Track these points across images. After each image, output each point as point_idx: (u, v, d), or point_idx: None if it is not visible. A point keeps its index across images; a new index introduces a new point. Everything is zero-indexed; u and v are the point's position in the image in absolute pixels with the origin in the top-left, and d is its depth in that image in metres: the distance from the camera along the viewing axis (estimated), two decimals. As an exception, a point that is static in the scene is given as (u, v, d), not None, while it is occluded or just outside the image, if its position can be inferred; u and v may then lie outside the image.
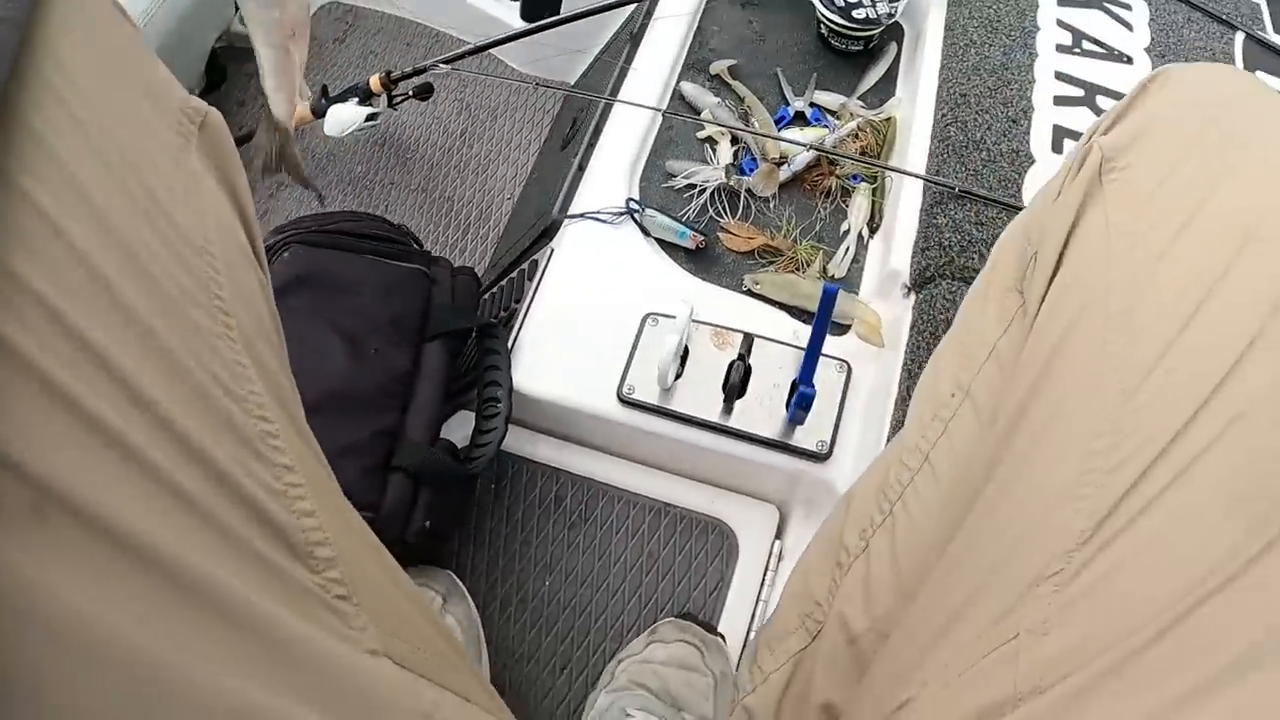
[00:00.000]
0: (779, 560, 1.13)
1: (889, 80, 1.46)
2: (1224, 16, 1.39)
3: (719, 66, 1.42)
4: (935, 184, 1.08)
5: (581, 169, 1.28)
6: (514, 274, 1.30)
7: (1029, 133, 1.14)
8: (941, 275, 1.03)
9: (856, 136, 1.34)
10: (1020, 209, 1.06)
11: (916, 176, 1.13)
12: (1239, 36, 1.39)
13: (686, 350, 1.08)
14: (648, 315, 1.12)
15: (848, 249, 1.25)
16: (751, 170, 1.29)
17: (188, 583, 0.40)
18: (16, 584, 0.34)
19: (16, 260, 0.37)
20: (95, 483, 0.37)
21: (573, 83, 1.81)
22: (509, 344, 1.13)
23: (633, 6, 1.54)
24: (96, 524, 0.37)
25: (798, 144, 1.27)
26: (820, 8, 1.40)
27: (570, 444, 1.17)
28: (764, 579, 1.11)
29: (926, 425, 0.76)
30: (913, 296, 1.08)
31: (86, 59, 0.45)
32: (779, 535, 1.14)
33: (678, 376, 1.07)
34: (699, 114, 1.35)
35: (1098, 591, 0.49)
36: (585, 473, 1.15)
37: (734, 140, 1.32)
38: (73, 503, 0.36)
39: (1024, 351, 0.65)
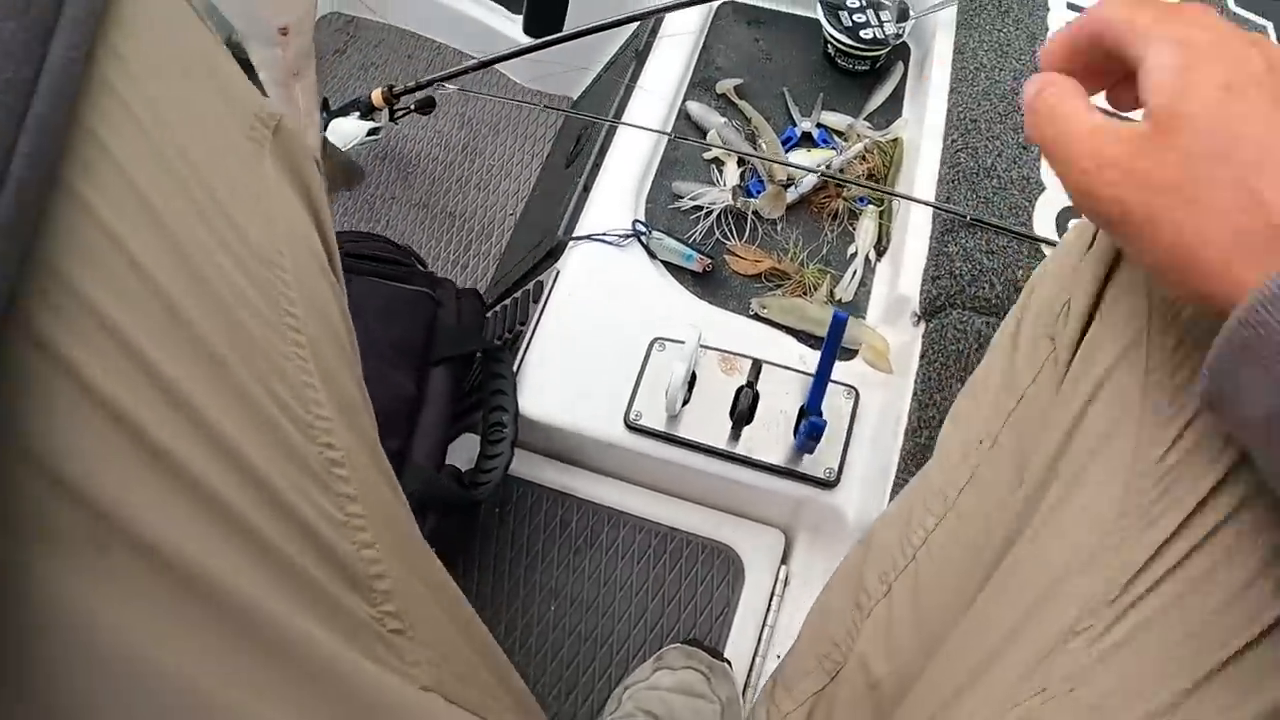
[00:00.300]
0: (785, 585, 1.13)
1: (895, 101, 1.46)
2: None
3: (725, 85, 1.42)
4: (946, 211, 1.08)
5: (586, 189, 1.28)
6: (518, 294, 1.30)
7: (1039, 159, 1.14)
8: (952, 304, 1.03)
9: (863, 158, 1.34)
10: (1031, 238, 1.06)
11: (926, 204, 1.13)
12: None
13: (694, 375, 1.08)
14: (655, 340, 1.12)
15: (855, 273, 1.25)
16: (758, 192, 1.29)
17: (245, 616, 0.40)
18: (74, 615, 0.34)
19: (79, 276, 0.36)
20: (157, 514, 0.37)
21: (575, 97, 1.81)
22: (515, 367, 1.12)
23: (636, 24, 1.54)
24: (157, 557, 0.37)
25: (805, 169, 1.27)
26: (828, 27, 1.41)
27: (576, 468, 1.16)
28: (770, 604, 1.11)
29: (953, 470, 0.74)
30: (922, 325, 1.07)
31: (155, 61, 0.44)
32: (784, 560, 1.14)
33: (685, 402, 1.07)
34: (705, 134, 1.35)
35: (1128, 647, 0.48)
36: (591, 497, 1.15)
37: (740, 161, 1.32)
38: (134, 534, 0.36)
39: (1056, 401, 0.64)
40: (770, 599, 1.11)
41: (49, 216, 0.36)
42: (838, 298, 1.22)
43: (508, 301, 1.32)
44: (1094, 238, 0.68)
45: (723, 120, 1.35)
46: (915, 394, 1.01)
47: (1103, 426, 0.57)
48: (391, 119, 1.56)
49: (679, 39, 1.45)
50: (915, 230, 1.19)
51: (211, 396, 0.41)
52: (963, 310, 1.02)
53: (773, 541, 1.14)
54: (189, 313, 0.41)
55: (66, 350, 0.35)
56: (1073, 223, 0.78)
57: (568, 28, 1.71)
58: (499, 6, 1.86)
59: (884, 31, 1.40)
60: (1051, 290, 0.71)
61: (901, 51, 1.49)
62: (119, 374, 0.37)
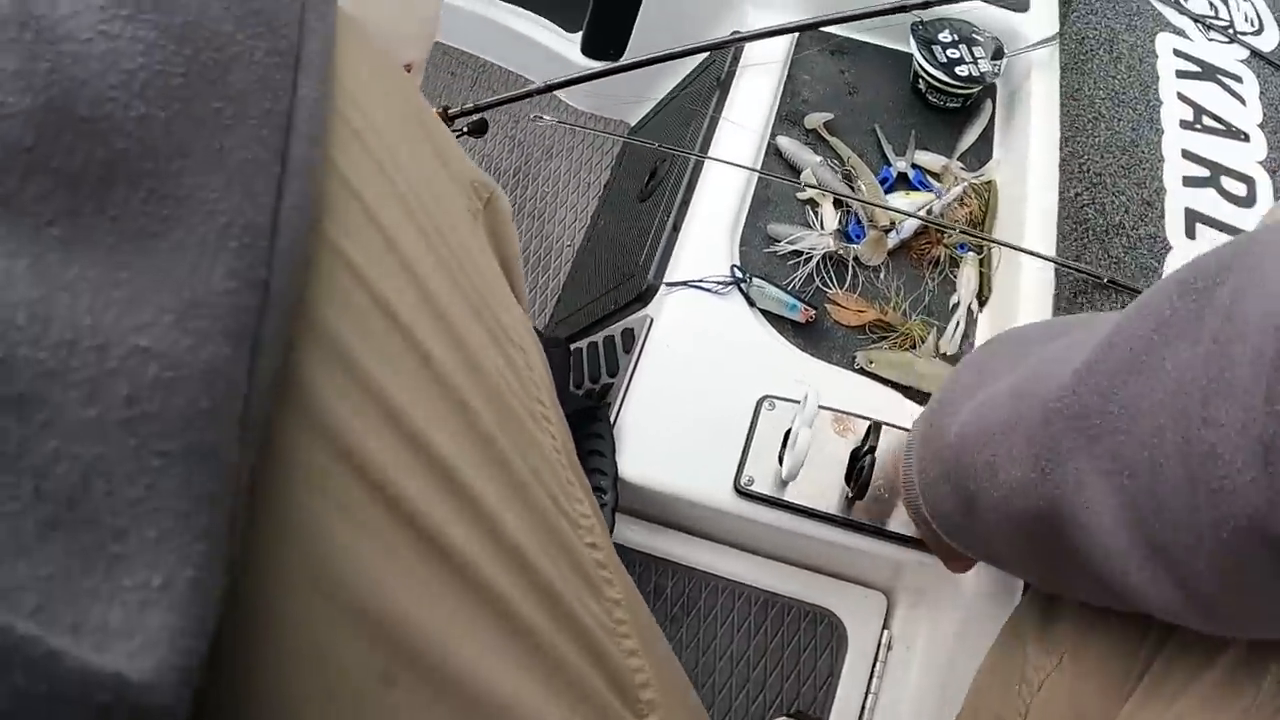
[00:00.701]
0: (888, 650, 1.08)
1: (984, 140, 1.41)
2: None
3: (815, 120, 1.36)
4: (1080, 272, 1.03)
5: (676, 229, 1.22)
6: (598, 339, 1.23)
7: (1164, 216, 1.09)
8: (1090, 369, 0.98)
9: (962, 202, 1.29)
10: None
11: (1060, 263, 1.08)
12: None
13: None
14: (763, 398, 1.06)
15: (959, 324, 1.20)
16: (858, 237, 1.23)
17: None
18: None
19: (353, 344, 0.34)
20: (449, 632, 0.35)
21: (633, 123, 1.75)
22: (611, 424, 1.06)
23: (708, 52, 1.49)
24: (448, 682, 0.35)
25: (911, 215, 1.22)
26: (921, 62, 1.36)
27: (670, 530, 1.11)
28: (873, 670, 1.07)
29: None
30: (1053, 389, 1.02)
31: (384, 114, 0.42)
32: (886, 624, 1.10)
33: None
34: (799, 173, 1.30)
35: None
36: (686, 561, 1.10)
37: (837, 203, 1.26)
38: (425, 660, 0.34)
39: None
40: (873, 664, 1.07)
41: (315, 275, 0.34)
42: (943, 350, 1.17)
43: (584, 345, 1.25)
44: None
45: (818, 159, 1.30)
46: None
47: None
48: (445, 143, 1.50)
49: (763, 69, 1.40)
50: (1029, 283, 1.14)
51: (492, 487, 0.39)
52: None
53: (875, 604, 1.10)
54: (464, 393, 0.39)
55: (355, 440, 0.33)
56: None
57: (630, 51, 1.66)
58: (553, 24, 1.80)
59: (980, 69, 1.35)
60: None
61: (989, 88, 1.44)
62: (400, 461, 0.35)
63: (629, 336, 1.16)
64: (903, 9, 1.33)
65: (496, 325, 0.44)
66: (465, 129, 1.52)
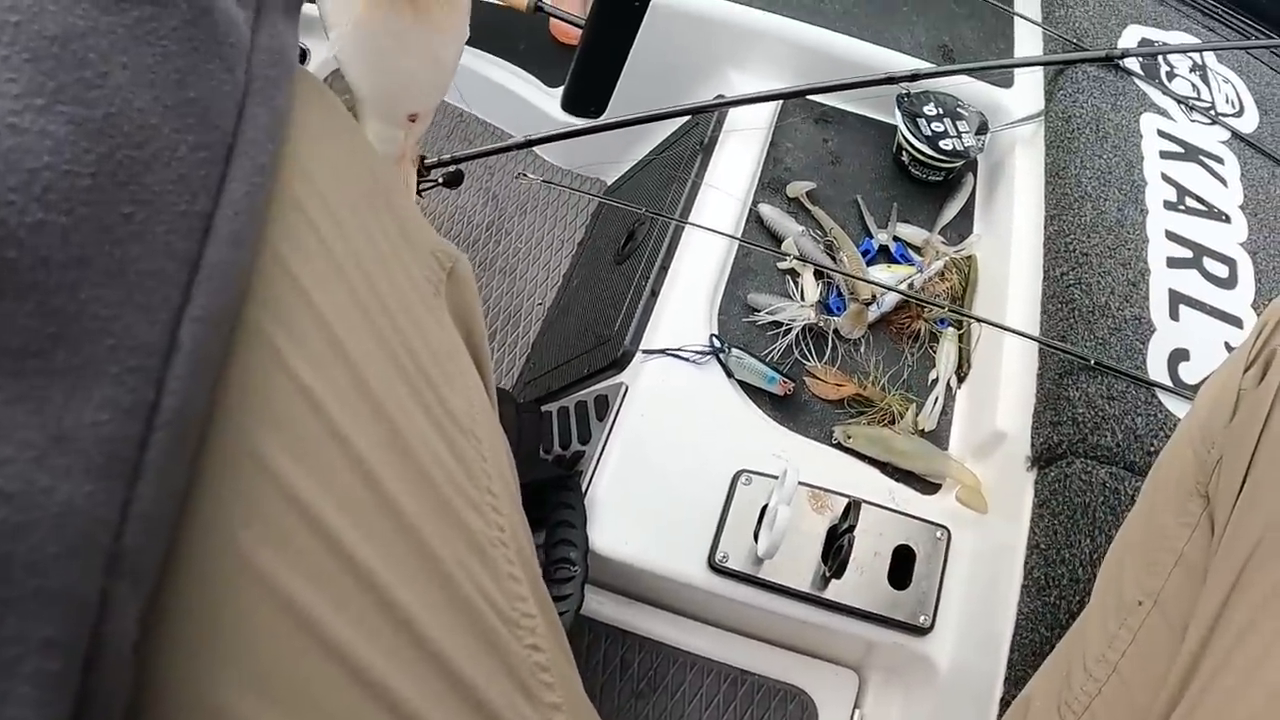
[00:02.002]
0: (859, 730, 1.09)
1: (964, 214, 1.44)
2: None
3: (797, 189, 1.38)
4: (1064, 353, 1.05)
5: (654, 294, 1.23)
6: (569, 404, 1.23)
7: (1148, 297, 1.11)
8: (1074, 453, 0.99)
9: (943, 276, 1.31)
10: (1165, 388, 1.04)
11: (1045, 343, 1.10)
12: (1318, 191, 1.40)
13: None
14: (740, 472, 1.07)
15: (937, 400, 1.21)
16: (839, 309, 1.25)
17: None
18: None
19: (269, 445, 0.34)
20: None
21: (611, 182, 1.76)
22: (583, 494, 1.06)
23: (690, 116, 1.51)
24: None
25: (894, 289, 1.24)
26: (906, 134, 1.38)
27: (639, 604, 1.10)
28: (844, 752, 1.07)
29: (1114, 635, 0.74)
30: (1035, 471, 1.03)
31: (340, 185, 0.42)
32: (857, 703, 1.10)
33: (773, 543, 1.02)
34: (780, 241, 1.31)
35: None
36: (654, 635, 1.10)
37: (818, 274, 1.28)
38: None
39: (1215, 560, 0.65)
40: (845, 746, 1.07)
41: (238, 368, 0.33)
42: (920, 426, 1.19)
43: (555, 409, 1.25)
44: (1238, 394, 0.71)
45: (800, 229, 1.32)
46: (1038, 548, 0.97)
47: (1265, 582, 0.58)
48: (418, 193, 1.50)
49: (746, 135, 1.42)
50: (1011, 362, 1.16)
51: (414, 593, 0.38)
52: (1086, 460, 0.99)
53: (846, 683, 1.11)
54: (392, 491, 0.38)
55: (253, 549, 0.33)
56: (1210, 378, 0.77)
57: (611, 111, 1.68)
58: (534, 78, 1.82)
59: (963, 143, 1.38)
60: (1195, 446, 0.74)
61: (970, 163, 1.46)
62: (314, 572, 0.34)
63: (603, 403, 1.17)
64: (890, 81, 1.36)
65: (443, 412, 0.43)
66: (440, 180, 1.52)
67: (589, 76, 1.68)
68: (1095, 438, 1.00)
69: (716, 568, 1.02)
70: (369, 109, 0.79)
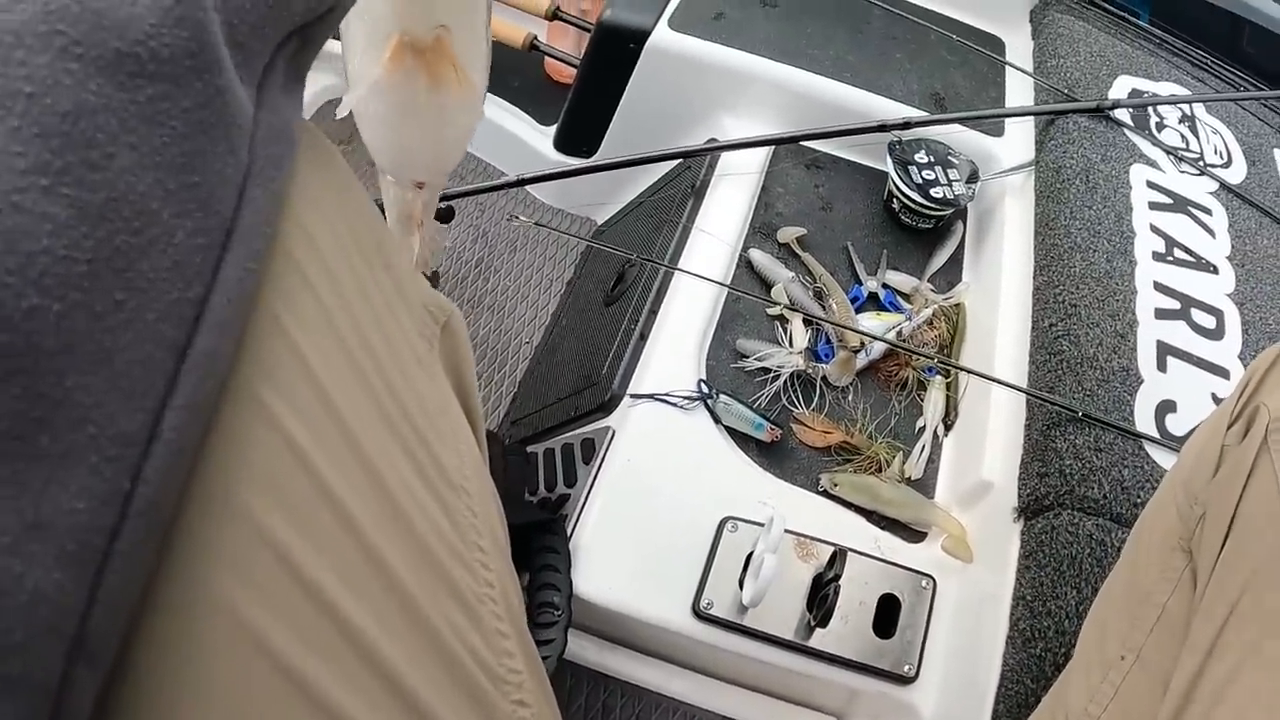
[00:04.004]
0: (840, 777, 1.09)
1: (953, 262, 1.46)
2: (1290, 221, 1.43)
3: (788, 235, 1.41)
4: (1056, 405, 1.07)
5: (643, 338, 1.25)
6: (554, 445, 1.25)
7: (1136, 349, 1.14)
8: (1061, 505, 1.01)
9: (931, 324, 1.33)
10: (1152, 440, 1.06)
11: (1032, 394, 1.12)
12: (1305, 242, 1.43)
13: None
14: (725, 519, 1.08)
15: (924, 448, 1.23)
16: (827, 355, 1.27)
17: None
18: None
19: (260, 507, 0.34)
20: None
21: (601, 222, 1.78)
22: (568, 538, 1.07)
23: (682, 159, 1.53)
24: None
25: (883, 340, 1.26)
26: (897, 182, 1.41)
27: (621, 648, 1.11)
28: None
29: (1096, 690, 0.75)
30: (1022, 521, 1.05)
31: (338, 243, 0.43)
32: (835, 750, 1.11)
33: (758, 590, 1.04)
34: (770, 287, 1.33)
35: None
36: (637, 680, 1.11)
37: (807, 321, 1.30)
38: None
39: (1199, 613, 0.66)
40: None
41: (230, 428, 0.34)
42: (907, 475, 1.20)
43: (540, 450, 1.27)
44: (1221, 449, 0.72)
45: (790, 275, 1.34)
46: (1024, 599, 0.98)
47: (1249, 637, 0.59)
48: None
49: (738, 179, 1.44)
50: (998, 410, 1.18)
51: (403, 651, 0.39)
52: (1073, 512, 1.00)
53: (827, 730, 1.12)
54: (382, 550, 0.39)
55: (245, 610, 0.33)
56: (1194, 434, 0.79)
57: (603, 151, 1.71)
58: (527, 116, 1.84)
59: (954, 192, 1.40)
60: (1178, 501, 0.75)
61: (959, 211, 1.49)
62: (304, 631, 0.35)
63: (589, 446, 1.18)
64: (882, 129, 1.39)
65: (434, 469, 0.44)
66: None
67: (582, 116, 1.72)
68: (1083, 489, 1.02)
69: (701, 614, 1.03)
70: (380, 165, 0.81)
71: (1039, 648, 0.94)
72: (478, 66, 0.73)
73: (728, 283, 1.32)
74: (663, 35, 1.59)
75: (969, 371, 1.24)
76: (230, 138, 0.34)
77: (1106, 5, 1.85)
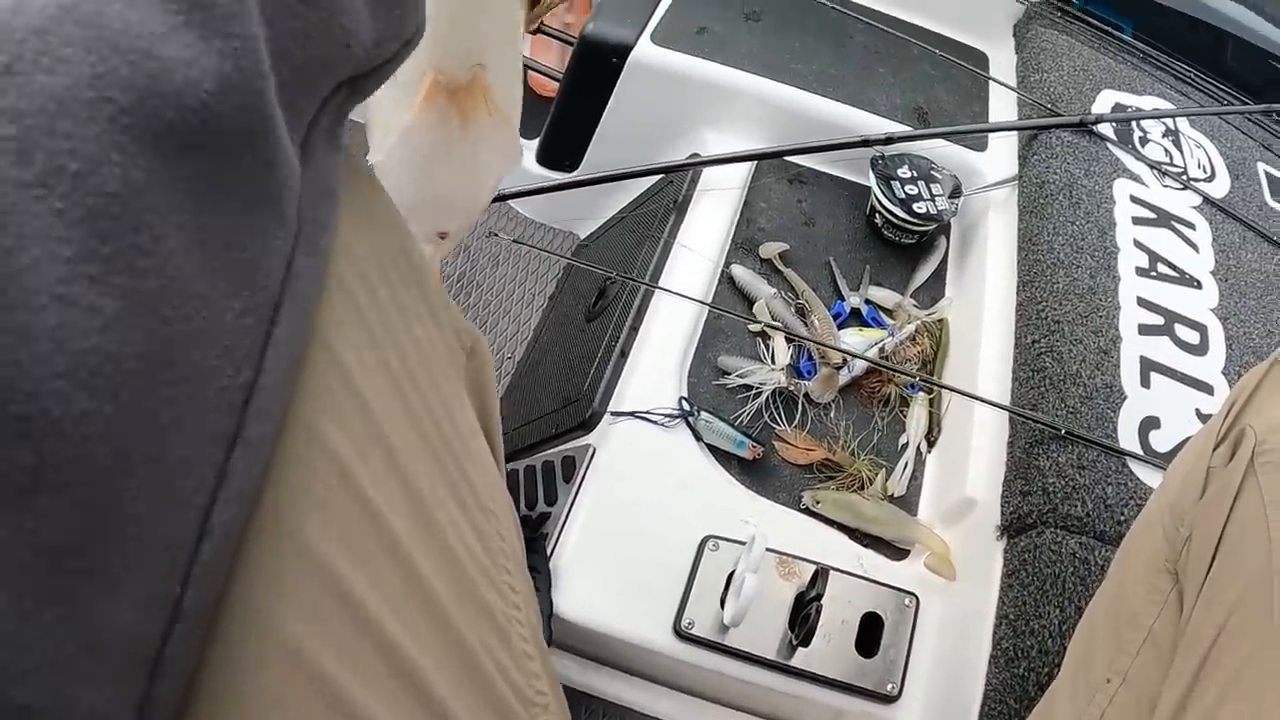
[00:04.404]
0: (821, 798, 1.09)
1: (936, 277, 1.47)
2: (1272, 236, 1.44)
3: (770, 250, 1.41)
4: (1039, 423, 1.07)
5: (624, 355, 1.24)
6: (535, 463, 1.24)
7: (1119, 365, 1.14)
8: (1044, 523, 1.01)
9: (914, 340, 1.33)
10: (1136, 457, 1.06)
11: (1016, 412, 1.12)
12: (1288, 257, 1.44)
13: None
14: (707, 538, 1.08)
15: (906, 465, 1.23)
16: (809, 372, 1.27)
17: None
18: None
19: (311, 530, 0.34)
20: None
21: (584, 236, 1.78)
22: (548, 556, 1.07)
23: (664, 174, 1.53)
24: None
25: (864, 358, 1.26)
26: (879, 197, 1.41)
27: (602, 667, 1.11)
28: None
29: (1082, 712, 0.75)
30: (1005, 539, 1.05)
31: (388, 277, 0.42)
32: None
33: (739, 609, 1.03)
34: (752, 303, 1.33)
35: None
36: (619, 699, 1.10)
37: (789, 337, 1.30)
38: None
39: (1185, 636, 0.66)
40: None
41: (281, 449, 0.33)
42: (890, 492, 1.20)
43: (521, 467, 1.26)
44: (1206, 472, 0.73)
45: (772, 291, 1.34)
46: (1007, 618, 0.98)
47: (1236, 659, 0.59)
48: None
49: (720, 194, 1.44)
50: (981, 427, 1.18)
51: (444, 675, 0.39)
52: (1056, 530, 1.00)
53: (810, 749, 1.11)
54: (424, 572, 0.39)
55: (293, 634, 0.33)
56: (1180, 455, 0.79)
57: (586, 166, 1.71)
58: (508, 131, 1.84)
59: (937, 207, 1.41)
60: (1165, 523, 0.75)
61: (943, 226, 1.49)
62: (350, 654, 0.34)
63: (569, 464, 1.18)
64: (865, 143, 1.39)
65: (470, 493, 0.44)
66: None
67: (565, 130, 1.72)
68: (1066, 507, 1.02)
69: (682, 634, 1.03)
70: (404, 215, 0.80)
71: (1022, 667, 0.94)
72: (513, 104, 0.71)
73: (709, 300, 1.32)
74: (645, 50, 1.60)
75: (952, 389, 1.24)
76: (279, 206, 0.32)
77: (1090, 19, 1.86)
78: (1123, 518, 1.01)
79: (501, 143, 0.72)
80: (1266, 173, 1.61)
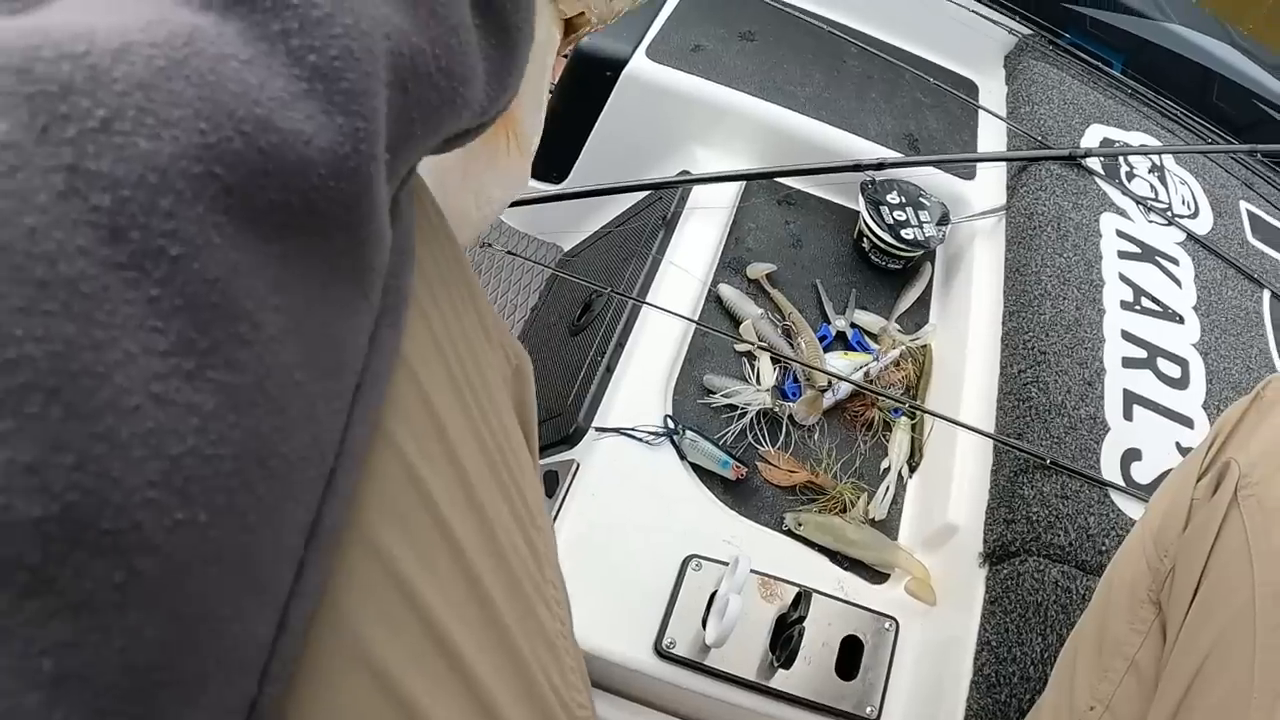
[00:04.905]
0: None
1: (920, 303, 1.48)
2: (1253, 274, 1.47)
3: (757, 271, 1.42)
4: (1024, 452, 1.08)
5: (610, 370, 1.25)
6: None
7: (1103, 397, 1.15)
8: (1027, 551, 1.02)
9: (898, 365, 1.35)
10: (1120, 489, 1.08)
11: (1000, 440, 1.13)
12: (1266, 294, 1.46)
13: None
14: (689, 557, 1.08)
15: (888, 489, 1.24)
16: (795, 394, 1.28)
17: None
18: None
19: (385, 536, 0.33)
20: None
21: (568, 249, 1.79)
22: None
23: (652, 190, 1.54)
24: None
25: (851, 381, 1.27)
26: (868, 221, 1.42)
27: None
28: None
29: None
30: (987, 567, 1.06)
31: (448, 292, 0.41)
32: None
33: (720, 630, 1.04)
34: (738, 322, 1.34)
35: None
36: (600, 718, 1.09)
37: (775, 358, 1.31)
38: None
39: (1168, 667, 0.67)
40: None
41: (370, 474, 0.32)
42: (871, 515, 1.21)
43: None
44: (1190, 504, 0.74)
45: (759, 311, 1.35)
46: (989, 645, 0.99)
47: (1219, 690, 0.60)
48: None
49: (709, 213, 1.45)
50: (963, 453, 1.20)
51: (505, 687, 0.39)
52: (1039, 558, 1.02)
53: (790, 770, 1.11)
54: (486, 584, 0.38)
55: (370, 644, 0.32)
56: (1163, 487, 0.80)
57: (573, 178, 1.71)
58: (495, 140, 1.84)
59: (924, 233, 1.42)
60: (1148, 554, 0.76)
61: (928, 252, 1.51)
62: (422, 664, 0.34)
63: (553, 479, 1.18)
64: (857, 168, 1.40)
65: (523, 506, 0.44)
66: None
67: (554, 141, 1.72)
68: (1049, 536, 1.03)
69: (663, 654, 1.03)
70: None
71: (1004, 693, 0.95)
72: (534, 133, 0.70)
73: (695, 317, 1.32)
74: (640, 65, 1.61)
75: (938, 416, 1.25)
76: (367, 281, 0.31)
77: (1081, 54, 1.89)
78: (1104, 547, 1.02)
79: (513, 178, 0.71)
80: (1248, 211, 1.64)
